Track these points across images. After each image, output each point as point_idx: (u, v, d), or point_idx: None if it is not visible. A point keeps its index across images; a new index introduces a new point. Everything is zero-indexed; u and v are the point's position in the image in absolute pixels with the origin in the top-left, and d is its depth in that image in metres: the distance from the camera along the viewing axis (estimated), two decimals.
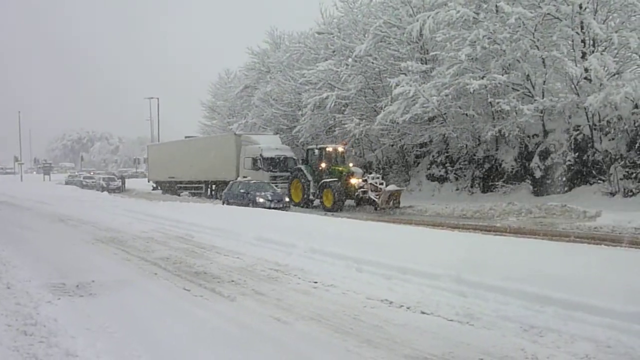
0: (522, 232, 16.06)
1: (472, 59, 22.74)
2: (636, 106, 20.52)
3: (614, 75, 20.60)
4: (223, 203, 26.77)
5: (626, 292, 7.32)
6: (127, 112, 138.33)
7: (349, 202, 25.50)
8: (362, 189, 24.40)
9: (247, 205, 24.13)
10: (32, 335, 6.39)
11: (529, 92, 23.11)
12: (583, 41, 21.73)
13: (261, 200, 24.22)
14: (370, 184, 24.26)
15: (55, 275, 9.94)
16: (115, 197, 36.24)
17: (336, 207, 24.24)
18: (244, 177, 28.69)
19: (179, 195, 37.49)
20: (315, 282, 9.32)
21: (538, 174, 23.60)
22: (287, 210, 23.57)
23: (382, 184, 24.51)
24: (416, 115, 24.79)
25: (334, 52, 32.01)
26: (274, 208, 23.63)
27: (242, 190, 25.34)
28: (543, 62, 22.58)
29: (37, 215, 23.73)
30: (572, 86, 21.91)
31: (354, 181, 24.65)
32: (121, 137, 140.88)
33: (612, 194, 20.74)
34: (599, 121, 21.86)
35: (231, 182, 27.75)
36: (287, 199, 25.38)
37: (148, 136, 77.33)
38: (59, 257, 12.24)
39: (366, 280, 9.40)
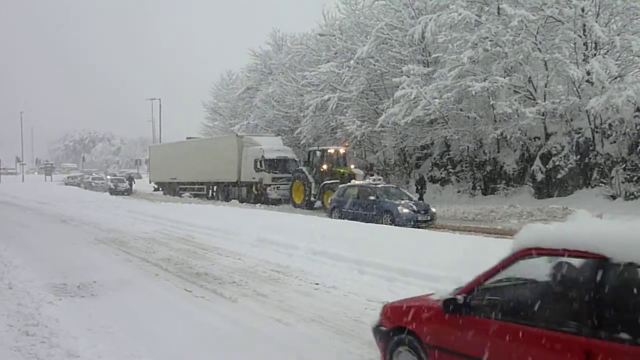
0: None
1: (473, 61, 22.73)
2: (638, 109, 20.50)
3: (616, 78, 20.59)
4: (330, 214, 21.11)
5: None
6: (128, 113, 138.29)
7: None
8: None
9: (375, 218, 18.53)
10: (34, 336, 6.40)
11: (531, 94, 23.10)
12: (585, 44, 21.72)
13: (405, 211, 18.08)
14: None
15: (56, 275, 9.96)
16: (118, 198, 36.25)
17: None
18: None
19: (180, 196, 37.50)
20: (317, 284, 9.33)
21: (539, 176, 23.57)
22: (432, 225, 18.24)
23: None
24: (418, 118, 24.77)
25: (335, 54, 32.02)
26: (421, 222, 17.96)
27: (370, 197, 19.19)
28: (545, 64, 22.57)
29: (39, 215, 23.78)
30: (574, 89, 21.91)
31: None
32: (123, 138, 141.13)
33: (614, 197, 20.70)
34: (601, 124, 21.83)
35: (342, 186, 21.99)
36: (433, 209, 19.16)
37: (150, 137, 77.38)
38: (61, 257, 12.27)
39: (367, 282, 9.40)
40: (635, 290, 3.39)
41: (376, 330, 5.13)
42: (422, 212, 18.39)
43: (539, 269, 4.13)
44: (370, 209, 19.06)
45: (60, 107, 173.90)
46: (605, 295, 3.49)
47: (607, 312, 3.45)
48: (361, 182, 22.37)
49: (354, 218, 19.08)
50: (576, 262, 3.82)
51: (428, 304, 4.64)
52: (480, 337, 4.07)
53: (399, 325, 4.79)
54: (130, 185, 46.57)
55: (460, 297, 4.40)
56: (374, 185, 20.57)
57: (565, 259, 3.84)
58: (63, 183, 64.43)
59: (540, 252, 3.99)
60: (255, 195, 30.24)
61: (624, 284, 3.47)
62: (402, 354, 4.73)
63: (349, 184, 22.51)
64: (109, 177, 53.03)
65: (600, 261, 3.52)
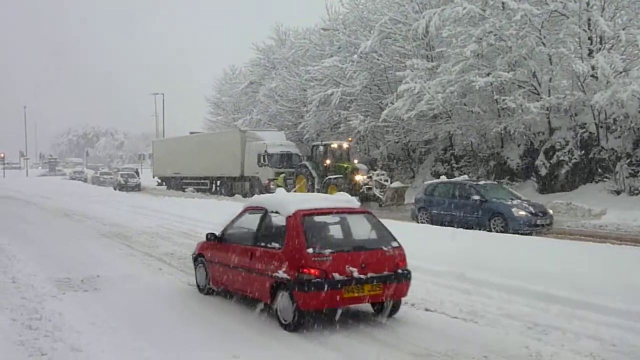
0: None
1: (477, 55, 22.64)
2: None
3: (621, 72, 20.45)
4: (415, 218, 17.88)
5: (631, 290, 7.30)
6: (132, 108, 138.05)
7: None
8: (366, 186, 24.36)
9: (480, 222, 15.48)
10: (38, 330, 6.42)
11: (535, 89, 23.00)
12: (590, 38, 21.60)
13: (522, 213, 15.03)
14: (375, 180, 24.21)
15: (60, 269, 9.99)
16: (121, 193, 36.22)
17: None
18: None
19: (183, 191, 37.53)
20: None
21: (543, 171, 23.51)
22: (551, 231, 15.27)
23: (387, 180, 24.47)
24: (421, 112, 24.69)
25: (339, 48, 31.94)
26: (540, 226, 15.00)
27: (474, 197, 15.89)
28: (549, 59, 22.45)
29: (42, 210, 23.83)
30: (579, 84, 21.80)
31: (358, 178, 24.59)
32: (126, 132, 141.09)
33: (618, 192, 20.63)
34: (605, 119, 21.74)
35: (429, 183, 18.73)
36: (550, 211, 16.00)
37: (153, 132, 77.38)
38: (64, 251, 12.30)
39: None
40: (272, 224, 7.37)
41: (192, 257, 8.99)
42: (541, 214, 15.33)
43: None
44: (473, 211, 15.89)
45: (64, 102, 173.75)
46: (263, 226, 7.44)
47: (261, 234, 7.38)
48: (457, 178, 18.91)
49: (450, 222, 16.02)
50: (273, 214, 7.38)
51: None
52: (228, 253, 7.83)
53: (199, 252, 8.69)
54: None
55: (217, 233, 8.25)
56: (474, 182, 17.35)
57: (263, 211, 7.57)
58: (68, 177, 64.16)
59: (251, 208, 8.03)
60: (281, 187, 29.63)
61: (269, 220, 7.43)
62: (200, 267, 8.62)
63: (439, 180, 18.79)
64: (124, 172, 50.89)
65: (268, 210, 7.46)
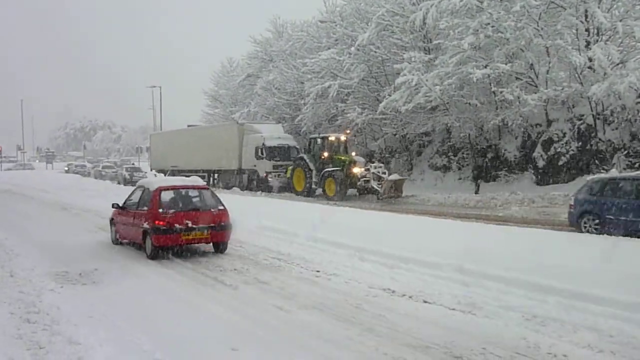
0: (525, 222, 16.02)
1: (475, 47, 22.56)
2: None
3: (618, 64, 20.42)
4: (576, 223, 13.52)
5: (629, 282, 7.33)
6: (129, 101, 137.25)
7: (351, 191, 25.48)
8: (364, 178, 24.34)
9: None
10: (36, 323, 6.42)
11: (533, 81, 22.97)
12: (587, 30, 21.55)
13: None
14: (373, 173, 24.19)
15: (58, 263, 9.98)
16: (119, 186, 36.13)
17: (338, 197, 24.20)
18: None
19: None
20: (318, 271, 9.34)
21: (541, 163, 23.53)
22: None
23: (384, 173, 24.45)
24: (419, 105, 24.62)
25: (336, 40, 31.81)
26: None
27: None
28: (547, 51, 22.41)
29: (40, 204, 23.76)
30: (576, 75, 21.76)
31: (356, 170, 24.56)
32: (124, 126, 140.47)
33: None
34: (603, 111, 21.73)
35: (594, 179, 14.11)
36: None
37: (150, 125, 77.17)
38: (62, 245, 12.28)
39: (368, 269, 9.42)
40: (147, 195, 11.29)
41: (109, 220, 12.91)
42: None
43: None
44: None
45: (61, 95, 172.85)
46: (142, 197, 11.51)
47: (141, 202, 11.44)
48: (637, 172, 14.79)
49: (637, 232, 11.96)
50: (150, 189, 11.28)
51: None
52: (124, 216, 11.98)
53: (111, 217, 12.69)
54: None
55: (119, 203, 12.23)
56: None
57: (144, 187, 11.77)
58: (63, 171, 63.68)
59: (138, 186, 12.17)
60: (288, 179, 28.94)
61: (146, 193, 11.39)
62: (112, 227, 12.61)
63: (609, 175, 14.63)
64: (128, 165, 49.74)
65: (145, 188, 11.61)
